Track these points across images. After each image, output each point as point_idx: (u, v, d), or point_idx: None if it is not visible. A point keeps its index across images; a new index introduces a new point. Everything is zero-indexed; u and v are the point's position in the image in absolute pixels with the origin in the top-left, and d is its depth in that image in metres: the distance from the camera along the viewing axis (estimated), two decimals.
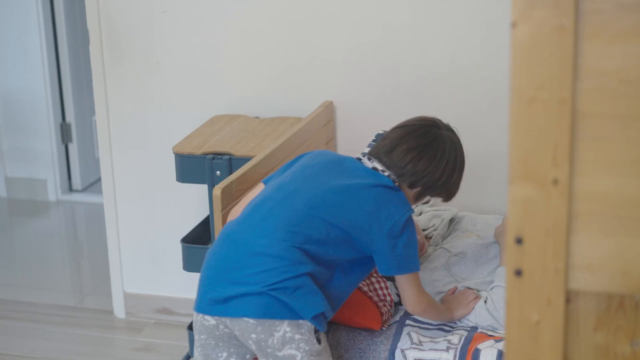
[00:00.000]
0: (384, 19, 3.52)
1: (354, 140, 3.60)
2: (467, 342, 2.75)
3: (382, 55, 3.55)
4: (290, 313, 2.52)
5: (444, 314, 2.81)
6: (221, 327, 2.61)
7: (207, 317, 2.62)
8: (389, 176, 2.67)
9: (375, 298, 2.88)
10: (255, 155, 3.14)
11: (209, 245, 3.27)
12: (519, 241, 1.52)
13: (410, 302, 2.71)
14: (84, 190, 5.62)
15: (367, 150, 3.33)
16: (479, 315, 2.83)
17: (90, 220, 5.34)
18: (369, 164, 2.71)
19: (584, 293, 1.53)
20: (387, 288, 2.94)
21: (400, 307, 3.00)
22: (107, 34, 3.82)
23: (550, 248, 1.50)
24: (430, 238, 3.22)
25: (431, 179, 2.70)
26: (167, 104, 3.84)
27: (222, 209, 2.82)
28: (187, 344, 3.56)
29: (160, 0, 3.73)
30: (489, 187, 3.57)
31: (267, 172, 3.09)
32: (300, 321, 2.53)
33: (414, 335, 2.80)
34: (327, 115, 3.57)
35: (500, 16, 3.39)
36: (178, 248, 3.63)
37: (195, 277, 3.85)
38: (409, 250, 2.61)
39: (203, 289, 2.64)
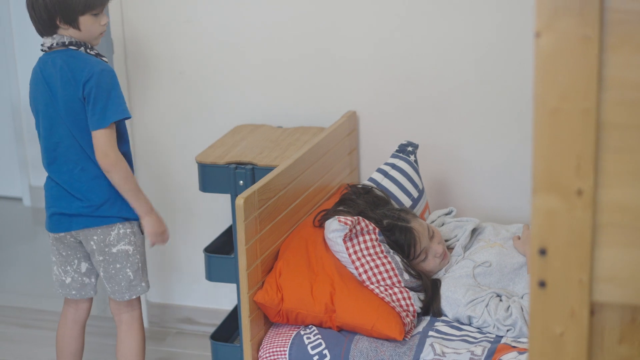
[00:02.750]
0: (407, 29, 3.51)
1: (377, 151, 3.60)
2: (491, 353, 2.74)
3: (405, 65, 3.55)
4: None
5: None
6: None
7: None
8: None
9: (398, 308, 2.88)
10: (278, 165, 3.14)
11: (232, 255, 3.28)
12: (542, 252, 1.51)
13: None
14: None
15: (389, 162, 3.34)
16: (515, 322, 2.83)
17: None
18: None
19: (609, 305, 1.51)
20: (410, 299, 2.93)
21: (422, 317, 3.00)
22: (130, 44, 3.84)
23: (574, 259, 1.49)
24: (453, 249, 3.21)
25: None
26: (190, 114, 3.84)
27: (245, 219, 2.82)
28: (209, 353, 3.57)
29: (184, 9, 3.74)
30: (511, 198, 3.55)
31: (289, 182, 3.09)
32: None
33: (436, 346, 2.80)
34: (350, 125, 3.57)
35: (524, 26, 3.38)
36: (201, 258, 3.63)
37: (218, 287, 3.86)
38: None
39: None
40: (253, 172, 3.23)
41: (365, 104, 3.63)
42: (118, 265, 3.23)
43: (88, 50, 3.13)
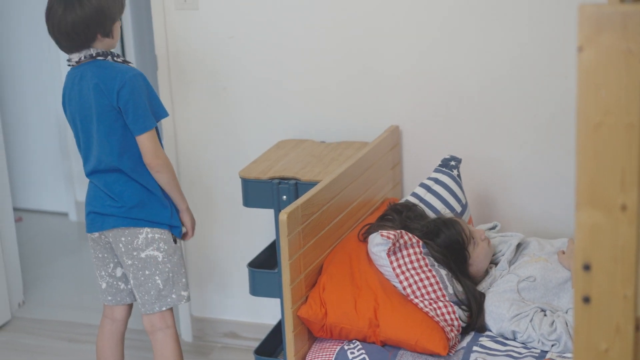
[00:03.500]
0: (448, 42, 3.51)
1: (420, 165, 3.60)
2: None
3: (447, 78, 3.54)
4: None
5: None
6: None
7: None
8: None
9: (442, 323, 2.87)
10: (321, 180, 3.15)
11: (276, 270, 3.28)
12: (586, 267, 1.50)
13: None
14: None
15: (432, 176, 3.33)
16: (559, 337, 2.81)
17: None
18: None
19: None
20: (454, 313, 2.92)
21: (467, 334, 2.98)
22: (174, 60, 3.87)
23: (618, 274, 1.48)
24: (497, 264, 3.20)
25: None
26: (233, 129, 3.86)
27: (289, 234, 2.83)
28: None
29: (227, 26, 3.76)
30: (555, 212, 3.53)
31: (333, 196, 3.10)
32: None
33: None
34: (393, 139, 3.57)
35: (566, 39, 3.36)
36: (245, 272, 3.64)
37: (262, 301, 3.87)
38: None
39: None
40: (296, 187, 3.24)
41: (408, 118, 3.62)
42: (147, 272, 3.24)
43: (115, 59, 3.18)
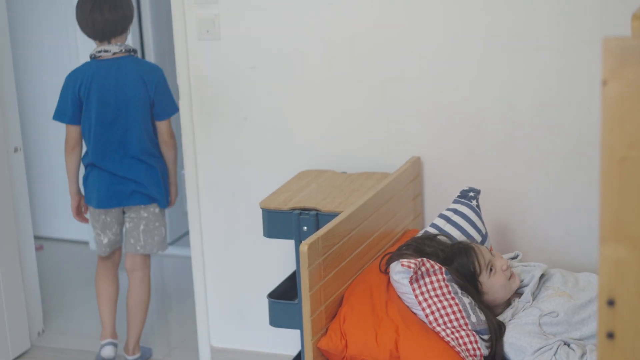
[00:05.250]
0: (472, 74, 3.51)
1: (442, 196, 3.58)
2: None
3: (470, 110, 3.54)
4: None
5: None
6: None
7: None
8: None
9: (464, 353, 2.84)
10: (342, 211, 3.14)
11: (296, 301, 3.27)
12: (610, 303, 1.48)
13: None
14: (172, 243, 5.67)
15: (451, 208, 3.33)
16: None
17: (178, 273, 5.38)
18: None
19: None
20: (476, 342, 2.89)
21: None
22: (196, 90, 3.88)
23: None
24: (520, 295, 3.17)
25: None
26: (254, 159, 3.86)
27: (309, 265, 2.82)
28: None
29: (249, 56, 3.77)
30: (578, 244, 3.51)
31: (354, 227, 3.09)
32: None
33: None
34: (414, 170, 3.56)
35: (589, 70, 3.35)
36: (265, 303, 3.63)
37: (282, 333, 3.85)
38: None
39: None
40: (317, 218, 3.23)
41: (429, 149, 3.62)
42: (157, 224, 4.10)
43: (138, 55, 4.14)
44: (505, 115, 3.51)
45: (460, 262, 3.05)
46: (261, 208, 3.34)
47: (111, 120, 3.91)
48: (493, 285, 3.06)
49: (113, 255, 4.23)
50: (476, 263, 3.05)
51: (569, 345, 2.91)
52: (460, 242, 3.15)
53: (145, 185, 3.98)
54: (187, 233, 5.65)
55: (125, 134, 3.93)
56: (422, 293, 2.93)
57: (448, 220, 3.33)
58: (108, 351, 4.18)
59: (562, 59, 3.40)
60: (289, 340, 3.92)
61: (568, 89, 3.41)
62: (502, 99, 3.50)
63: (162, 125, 3.98)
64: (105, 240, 4.12)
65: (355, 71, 3.66)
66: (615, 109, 1.42)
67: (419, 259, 2.94)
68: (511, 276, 3.12)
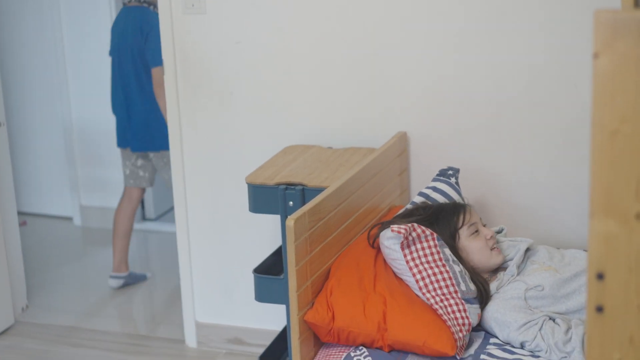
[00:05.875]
0: (458, 50, 3.50)
1: (428, 172, 3.58)
2: None
3: (457, 87, 3.53)
4: None
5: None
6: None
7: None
8: None
9: (452, 321, 2.85)
10: (328, 186, 3.13)
11: (282, 276, 3.27)
12: (600, 277, 1.48)
13: None
14: (157, 219, 5.66)
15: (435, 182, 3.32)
16: (573, 351, 2.79)
17: (163, 249, 5.37)
18: None
19: None
20: (465, 311, 2.89)
21: (474, 339, 2.96)
22: (181, 65, 3.86)
23: (632, 284, 1.46)
24: (506, 268, 3.18)
25: None
26: (240, 135, 3.85)
27: (295, 240, 2.81)
28: None
29: (234, 31, 3.75)
30: (565, 220, 3.52)
31: (340, 203, 3.08)
32: None
33: None
34: (400, 146, 3.55)
35: (576, 48, 3.35)
36: (250, 278, 3.63)
37: (267, 307, 3.85)
38: None
39: None
40: (303, 193, 3.23)
41: (416, 125, 3.61)
42: (166, 159, 4.72)
43: (155, 9, 4.52)
44: (492, 93, 3.50)
45: (445, 214, 3.08)
46: (247, 183, 3.33)
47: (118, 69, 4.64)
48: (469, 245, 3.09)
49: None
50: (461, 217, 3.08)
51: (554, 320, 2.92)
52: (454, 201, 3.20)
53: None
54: (172, 209, 5.64)
55: (126, 83, 4.65)
56: (413, 259, 2.93)
57: (427, 197, 3.33)
58: (112, 283, 4.83)
59: (549, 36, 3.39)
60: (274, 315, 3.92)
61: (555, 66, 3.41)
62: (489, 76, 3.49)
63: (154, 73, 4.51)
64: (127, 171, 4.82)
65: (342, 47, 3.64)
66: (606, 82, 1.41)
67: (409, 224, 2.94)
68: (494, 248, 3.13)
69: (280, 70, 3.74)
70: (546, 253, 3.19)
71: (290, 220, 2.81)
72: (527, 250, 3.22)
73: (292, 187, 3.25)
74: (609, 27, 1.39)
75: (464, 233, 3.11)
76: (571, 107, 3.41)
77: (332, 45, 3.65)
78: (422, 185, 3.61)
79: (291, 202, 3.23)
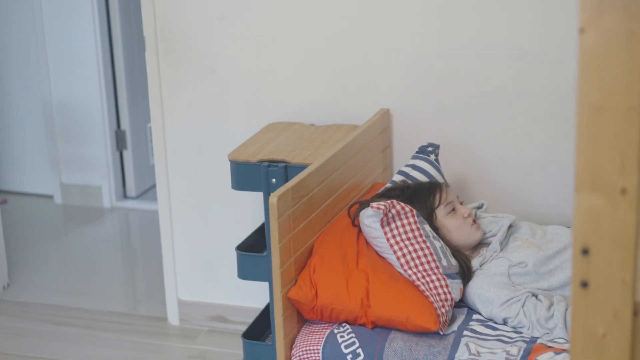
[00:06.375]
0: (441, 26, 3.49)
1: (411, 149, 3.58)
2: (527, 353, 2.72)
3: (440, 63, 3.53)
4: None
5: None
6: None
7: None
8: None
9: (434, 297, 2.86)
10: (311, 163, 3.13)
11: (264, 254, 3.26)
12: (585, 252, 1.48)
13: None
14: (138, 197, 5.64)
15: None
16: (555, 327, 2.81)
17: (145, 227, 5.36)
18: None
19: None
20: (447, 287, 2.90)
21: (457, 316, 2.97)
22: (163, 41, 3.83)
23: (617, 259, 1.47)
24: (488, 244, 3.19)
25: None
26: (222, 111, 3.84)
27: (279, 217, 2.81)
28: (241, 351, 3.55)
29: (217, 6, 3.73)
30: (548, 198, 3.52)
31: (323, 179, 3.08)
32: None
33: (472, 346, 2.77)
34: (383, 123, 3.55)
35: (561, 22, 3.35)
36: (233, 255, 3.62)
37: (250, 285, 3.85)
38: None
39: None
40: (286, 170, 3.22)
41: (399, 102, 3.61)
42: None
43: None
44: (475, 68, 3.50)
45: (421, 194, 3.10)
46: (229, 160, 3.32)
47: None
48: (447, 224, 3.10)
49: None
50: (437, 196, 3.10)
51: (536, 297, 2.93)
52: (430, 180, 3.19)
53: None
54: (153, 186, 5.62)
55: None
56: (393, 236, 2.94)
57: (406, 176, 3.33)
58: None
59: (533, 11, 3.39)
60: (257, 292, 3.92)
61: (539, 42, 3.41)
62: (472, 52, 3.48)
63: None
64: None
65: (324, 23, 3.63)
66: (591, 57, 1.41)
67: (389, 201, 2.94)
68: (474, 225, 3.14)
69: (262, 47, 3.72)
70: (529, 230, 3.20)
71: (274, 197, 2.81)
72: (510, 226, 3.23)
73: (275, 164, 3.24)
74: (595, 2, 1.39)
75: (440, 212, 3.12)
76: (555, 84, 3.41)
77: (314, 23, 3.64)
78: (404, 162, 3.60)
79: (274, 179, 3.23)
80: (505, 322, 2.92)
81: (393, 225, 2.95)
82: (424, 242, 2.95)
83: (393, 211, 2.94)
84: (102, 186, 5.54)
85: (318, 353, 2.89)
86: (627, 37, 1.38)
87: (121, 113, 5.51)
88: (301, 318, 3.01)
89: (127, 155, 5.57)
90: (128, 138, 5.53)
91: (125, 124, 5.52)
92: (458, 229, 3.12)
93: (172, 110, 3.90)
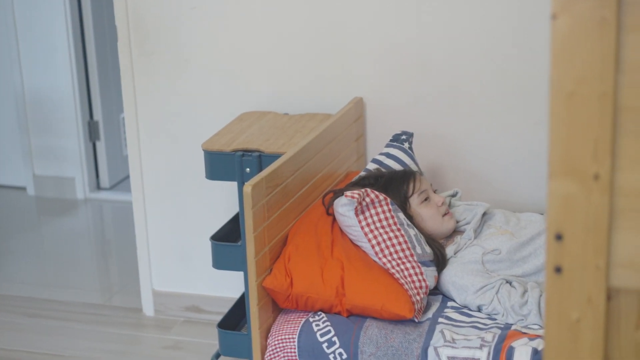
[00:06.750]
0: (415, 14, 3.49)
1: (384, 137, 3.58)
2: (501, 339, 2.73)
3: (413, 51, 3.53)
4: None
5: None
6: None
7: None
8: None
9: (409, 285, 2.86)
10: (285, 152, 3.13)
11: (239, 243, 3.26)
12: (558, 237, 1.49)
13: None
14: (111, 188, 5.62)
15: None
16: (529, 313, 2.82)
17: (119, 218, 5.34)
18: None
19: (625, 290, 1.50)
20: (422, 274, 2.91)
21: (432, 303, 2.98)
22: (135, 31, 3.82)
23: (590, 244, 1.48)
24: (462, 232, 3.20)
25: None
26: (195, 101, 3.83)
27: (253, 206, 2.81)
28: (216, 341, 3.55)
29: None
30: (521, 184, 3.54)
31: (297, 168, 3.08)
32: None
33: (447, 333, 2.78)
34: (357, 111, 3.55)
35: (534, 10, 3.36)
36: (207, 246, 3.62)
37: (225, 275, 3.84)
38: None
39: None
40: (260, 160, 3.22)
41: (372, 91, 3.61)
42: None
43: None
44: (448, 57, 3.50)
45: (395, 183, 3.10)
46: (203, 150, 3.31)
47: None
48: (420, 213, 3.11)
49: None
50: (410, 185, 3.10)
51: (510, 284, 2.94)
52: (404, 169, 3.19)
53: None
54: (127, 177, 5.60)
55: None
56: (367, 225, 2.94)
57: (380, 164, 3.33)
58: None
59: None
60: (232, 282, 3.92)
61: (513, 30, 3.42)
62: (446, 40, 3.49)
63: None
64: None
65: (297, 12, 3.63)
66: (564, 43, 1.42)
67: (363, 190, 2.95)
68: (446, 214, 3.15)
69: (235, 37, 3.71)
70: (502, 217, 3.21)
71: (248, 187, 2.81)
72: (484, 214, 3.24)
73: (249, 153, 3.24)
74: None
75: (414, 201, 3.13)
76: (528, 72, 3.42)
77: (288, 12, 3.63)
78: (378, 150, 3.61)
79: (248, 169, 3.22)
80: (479, 309, 2.93)
81: (367, 214, 2.95)
82: (398, 230, 2.96)
83: (367, 199, 2.95)
84: (76, 177, 5.52)
85: (294, 342, 2.89)
86: (599, 24, 1.39)
87: (94, 104, 5.49)
88: (276, 307, 3.01)
89: (100, 146, 5.55)
90: (101, 129, 5.51)
91: (98, 115, 5.49)
92: (432, 218, 3.13)
93: (145, 101, 3.88)
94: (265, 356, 2.94)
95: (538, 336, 2.73)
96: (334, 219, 3.07)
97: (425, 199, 3.14)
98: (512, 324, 2.84)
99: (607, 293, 1.50)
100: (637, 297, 1.50)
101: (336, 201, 3.01)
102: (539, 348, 2.66)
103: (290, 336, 2.90)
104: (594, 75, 1.41)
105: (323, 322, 2.90)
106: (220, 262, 3.29)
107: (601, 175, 1.44)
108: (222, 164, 3.27)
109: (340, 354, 2.84)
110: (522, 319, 2.85)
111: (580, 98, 1.43)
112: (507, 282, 2.94)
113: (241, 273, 3.46)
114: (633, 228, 1.46)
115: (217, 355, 3.48)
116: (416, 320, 2.86)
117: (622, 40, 1.39)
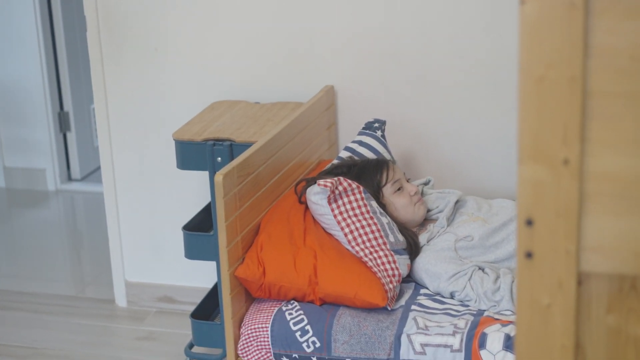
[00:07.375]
0: (385, 3, 3.49)
1: (356, 125, 3.57)
2: (474, 326, 2.74)
3: (383, 39, 3.52)
4: None
5: None
6: None
7: None
8: None
9: (382, 273, 2.87)
10: (256, 141, 3.12)
11: (211, 233, 3.25)
12: (529, 223, 1.49)
13: None
14: (83, 179, 5.59)
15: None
16: (502, 299, 2.83)
17: (90, 210, 5.32)
18: None
19: (596, 275, 1.50)
20: (395, 262, 2.91)
21: (405, 290, 2.98)
22: (104, 21, 3.79)
23: (561, 229, 1.48)
24: (435, 220, 3.20)
25: None
26: (166, 91, 3.81)
27: (225, 196, 2.80)
28: (189, 332, 3.55)
29: None
30: (492, 171, 3.55)
31: (269, 157, 3.07)
32: None
33: (419, 320, 2.79)
34: (328, 100, 3.55)
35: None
36: (179, 236, 3.60)
37: (197, 265, 3.83)
38: None
39: None
40: (231, 149, 3.21)
41: (343, 78, 3.60)
42: None
43: None
44: (419, 43, 3.50)
45: (368, 172, 3.10)
46: (174, 139, 3.29)
47: None
48: (394, 202, 3.11)
49: None
50: (384, 174, 3.10)
51: (483, 270, 2.95)
52: (377, 158, 3.19)
53: None
54: (98, 168, 5.57)
55: None
56: (340, 213, 2.94)
57: (353, 152, 3.33)
58: None
59: None
60: (205, 272, 3.91)
61: (481, 17, 3.42)
62: (416, 28, 3.49)
63: None
64: None
65: (268, 1, 3.61)
66: (533, 28, 1.41)
67: (335, 178, 2.95)
68: (419, 202, 3.15)
69: (205, 26, 3.70)
70: (474, 204, 3.22)
71: (219, 176, 2.80)
72: (457, 202, 3.25)
73: (220, 142, 3.23)
74: None
75: (387, 190, 3.13)
76: (497, 58, 3.43)
77: (258, 0, 3.62)
78: (350, 139, 3.60)
79: (219, 158, 3.21)
80: (452, 296, 2.93)
81: (340, 202, 2.95)
82: (371, 218, 2.96)
83: (340, 188, 2.94)
84: (46, 169, 5.48)
85: (267, 331, 2.89)
86: (568, 8, 1.39)
87: (64, 94, 5.45)
88: (249, 296, 3.01)
89: (71, 137, 5.51)
90: (71, 120, 5.48)
91: (68, 106, 5.46)
92: (404, 207, 3.13)
93: (115, 91, 3.86)
94: (239, 345, 2.94)
95: (511, 322, 2.74)
96: (307, 208, 3.06)
97: (399, 189, 3.14)
98: (484, 310, 2.85)
99: (577, 278, 1.50)
100: (608, 282, 1.50)
101: (309, 189, 3.00)
102: (512, 334, 2.67)
103: (263, 325, 2.90)
104: (563, 60, 1.41)
105: (296, 311, 2.90)
106: (193, 252, 3.27)
107: (571, 160, 1.44)
108: (193, 153, 3.26)
109: (314, 342, 2.84)
110: (495, 305, 2.85)
111: (549, 83, 1.42)
112: (479, 268, 2.95)
113: (214, 263, 3.45)
114: (603, 212, 1.46)
115: (191, 345, 3.47)
116: (389, 308, 2.86)
117: (591, 25, 1.39)
